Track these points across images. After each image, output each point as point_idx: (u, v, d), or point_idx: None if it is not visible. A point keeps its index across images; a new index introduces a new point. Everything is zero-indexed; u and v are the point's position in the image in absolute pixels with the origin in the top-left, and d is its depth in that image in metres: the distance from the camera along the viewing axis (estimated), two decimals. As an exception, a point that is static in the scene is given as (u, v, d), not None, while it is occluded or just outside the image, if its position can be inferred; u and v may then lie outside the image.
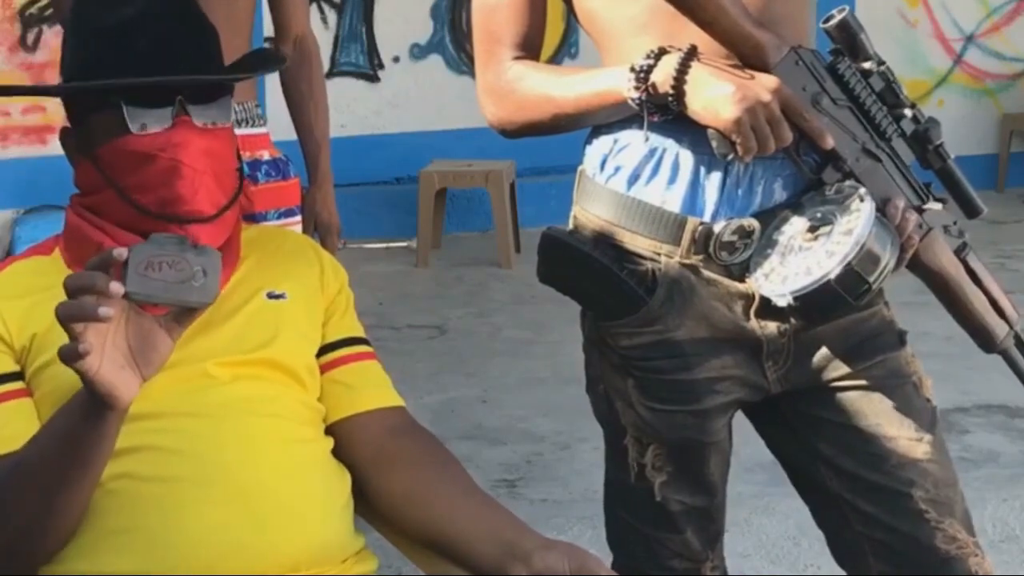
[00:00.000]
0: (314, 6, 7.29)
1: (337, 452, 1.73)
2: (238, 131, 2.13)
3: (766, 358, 1.77)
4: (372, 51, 7.69)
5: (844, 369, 1.78)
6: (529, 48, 1.81)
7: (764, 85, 1.62)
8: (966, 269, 1.80)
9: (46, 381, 1.62)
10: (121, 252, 1.40)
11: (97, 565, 1.56)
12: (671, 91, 1.63)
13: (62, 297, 1.40)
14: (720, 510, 1.90)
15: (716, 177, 1.72)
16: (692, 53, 1.63)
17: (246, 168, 2.63)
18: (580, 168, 1.83)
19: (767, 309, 1.73)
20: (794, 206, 1.73)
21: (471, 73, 1.91)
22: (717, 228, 1.71)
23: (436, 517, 1.67)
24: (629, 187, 1.75)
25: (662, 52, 1.64)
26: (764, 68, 1.65)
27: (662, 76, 1.63)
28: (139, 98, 1.65)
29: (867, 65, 1.72)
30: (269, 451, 1.64)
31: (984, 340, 1.84)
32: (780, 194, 1.74)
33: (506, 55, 1.80)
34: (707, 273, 1.73)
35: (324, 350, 1.78)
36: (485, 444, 4.06)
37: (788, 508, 3.10)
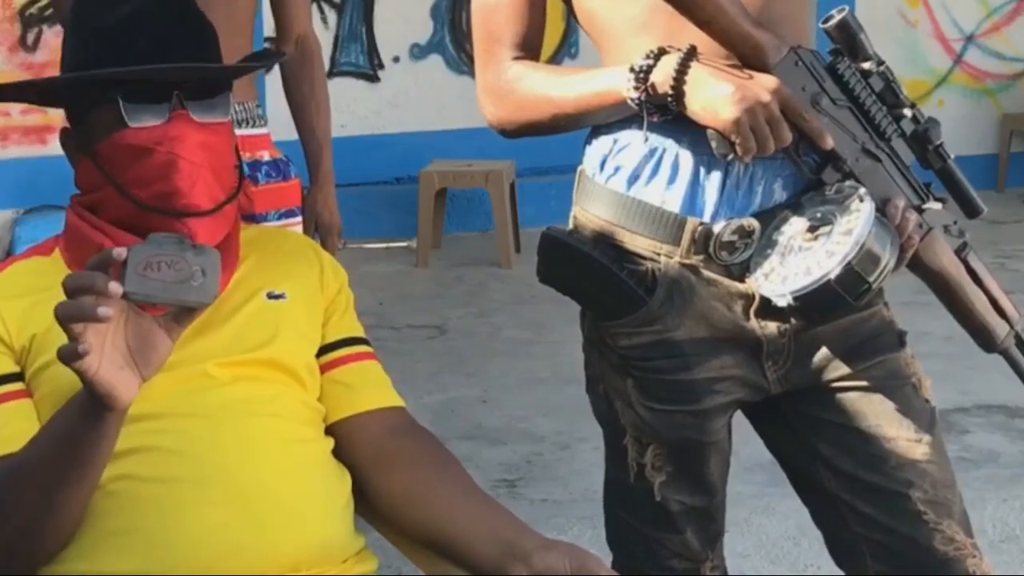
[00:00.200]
0: (314, 6, 7.29)
1: (337, 452, 1.73)
2: (238, 131, 2.13)
3: (766, 358, 1.77)
4: (372, 51, 7.69)
5: (844, 369, 1.78)
6: (529, 48, 1.81)
7: (763, 85, 1.62)
8: (966, 269, 1.80)
9: (46, 382, 1.62)
10: (120, 252, 1.40)
11: (97, 566, 1.56)
12: (670, 91, 1.63)
13: (62, 297, 1.40)
14: (720, 510, 1.90)
15: (716, 177, 1.72)
16: (692, 53, 1.63)
17: (246, 168, 2.64)
18: (580, 168, 1.83)
19: (767, 309, 1.73)
20: (794, 206, 1.73)
21: (471, 73, 1.91)
22: (717, 228, 1.71)
23: (436, 517, 1.67)
24: (629, 187, 1.75)
25: (661, 52, 1.64)
26: (763, 68, 1.65)
27: (662, 76, 1.63)
28: (136, 93, 1.66)
29: (867, 65, 1.72)
30: (269, 451, 1.64)
31: (984, 340, 1.84)
32: (780, 194, 1.74)
33: (506, 55, 1.80)
34: (707, 273, 1.73)
35: (324, 350, 1.78)
36: (485, 444, 4.06)
37: (788, 508, 3.10)
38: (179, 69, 1.66)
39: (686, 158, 1.72)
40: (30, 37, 7.00)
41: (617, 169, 1.76)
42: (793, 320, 1.75)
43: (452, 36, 7.75)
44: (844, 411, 1.79)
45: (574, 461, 3.86)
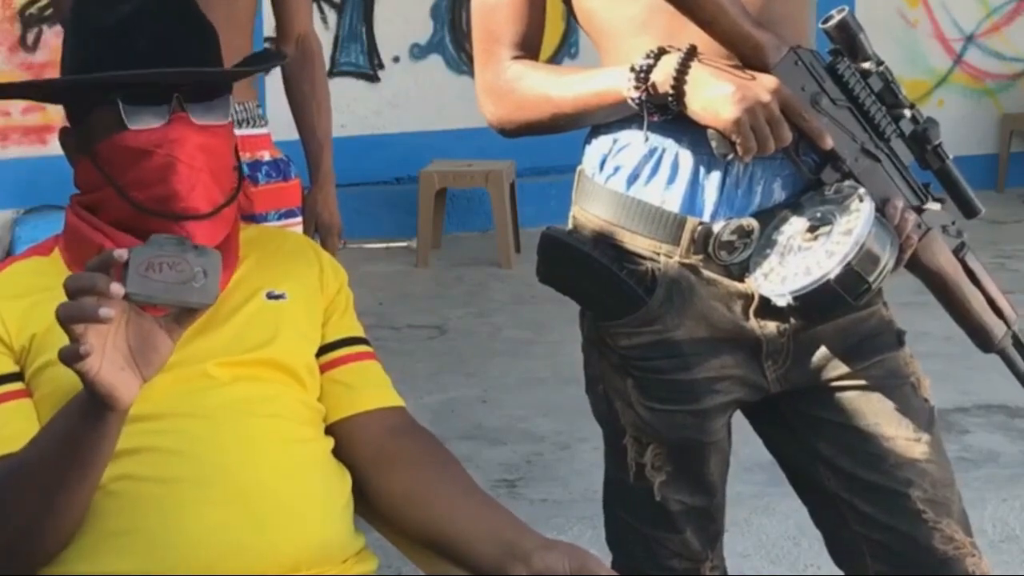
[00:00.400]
0: (314, 6, 7.27)
1: (337, 452, 1.73)
2: (239, 131, 2.13)
3: (765, 358, 1.77)
4: (372, 51, 7.69)
5: (843, 369, 1.78)
6: (528, 48, 1.81)
7: (764, 85, 1.62)
8: (964, 269, 1.81)
9: (46, 382, 1.62)
10: (121, 253, 1.40)
11: (97, 566, 1.56)
12: (671, 91, 1.63)
13: (62, 297, 1.40)
14: (720, 510, 1.90)
15: (715, 177, 1.72)
16: (692, 53, 1.63)
17: (246, 169, 2.64)
18: (579, 168, 1.83)
19: (766, 309, 1.73)
20: (793, 206, 1.73)
21: (471, 73, 1.91)
22: (716, 228, 1.71)
23: (436, 517, 1.67)
24: (628, 187, 1.75)
25: (662, 52, 1.64)
26: (763, 68, 1.65)
27: (662, 76, 1.63)
28: (137, 95, 1.66)
29: (866, 65, 1.72)
30: (269, 451, 1.64)
31: (982, 340, 1.84)
32: (779, 194, 1.74)
33: (505, 54, 1.80)
34: (706, 273, 1.73)
35: (324, 350, 1.78)
36: (485, 444, 4.06)
37: (788, 508, 3.10)
38: (179, 73, 1.66)
39: (686, 158, 1.72)
40: (30, 37, 7.00)
41: (617, 169, 1.76)
42: (792, 320, 1.75)
43: (452, 36, 7.75)
44: (843, 410, 1.79)
45: (574, 461, 3.86)
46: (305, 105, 2.96)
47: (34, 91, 1.94)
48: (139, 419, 1.56)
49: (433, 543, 1.68)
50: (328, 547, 1.65)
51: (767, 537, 3.34)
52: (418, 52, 7.74)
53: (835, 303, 1.68)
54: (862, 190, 1.69)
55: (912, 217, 1.72)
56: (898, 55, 7.92)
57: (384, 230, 7.07)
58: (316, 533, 1.64)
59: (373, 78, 7.69)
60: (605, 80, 1.70)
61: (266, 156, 2.76)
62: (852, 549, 1.84)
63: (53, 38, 6.84)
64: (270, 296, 1.75)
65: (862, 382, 1.78)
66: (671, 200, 1.73)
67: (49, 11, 6.82)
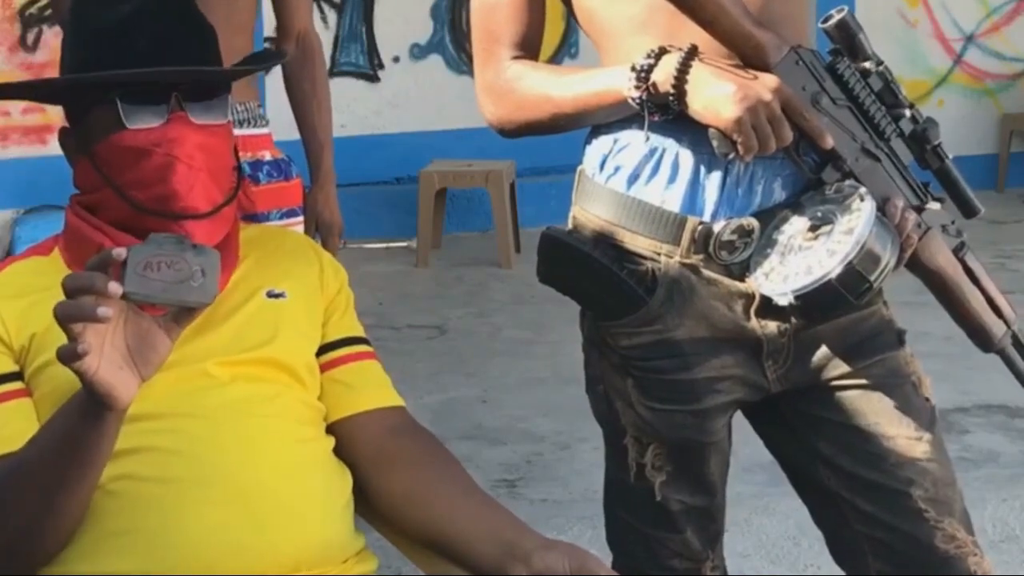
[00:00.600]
0: (314, 6, 7.27)
1: (337, 452, 1.73)
2: (240, 131, 2.13)
3: (766, 357, 1.77)
4: (372, 51, 7.69)
5: (843, 368, 1.78)
6: (528, 47, 1.81)
7: (765, 84, 1.62)
8: (964, 268, 1.81)
9: (45, 381, 1.62)
10: (120, 252, 1.40)
11: (97, 567, 1.56)
12: (672, 90, 1.63)
13: (61, 297, 1.40)
14: (720, 510, 1.90)
15: (716, 177, 1.72)
16: (693, 52, 1.63)
17: (247, 168, 2.64)
18: (580, 168, 1.83)
19: (767, 308, 1.73)
20: (794, 205, 1.73)
21: (471, 73, 1.91)
22: (717, 227, 1.71)
23: (436, 517, 1.67)
24: (629, 187, 1.75)
25: (663, 51, 1.64)
26: (764, 68, 1.65)
27: (663, 75, 1.63)
28: (135, 95, 1.66)
29: (866, 65, 1.72)
30: (269, 451, 1.64)
31: (982, 340, 1.84)
32: (780, 193, 1.74)
33: (505, 54, 1.80)
34: (707, 273, 1.73)
35: (324, 349, 1.78)
36: (485, 444, 4.06)
37: (788, 508, 3.10)
38: (177, 72, 1.66)
39: (686, 158, 1.72)
40: (30, 37, 7.00)
41: (617, 169, 1.76)
42: (793, 319, 1.75)
43: (452, 36, 7.75)
44: (844, 410, 1.79)
45: (574, 461, 3.86)
46: (306, 103, 2.96)
47: (32, 91, 1.94)
48: (139, 419, 1.56)
49: (433, 543, 1.68)
50: (328, 547, 1.65)
51: (767, 537, 3.34)
52: (418, 52, 7.74)
53: (836, 302, 1.68)
54: (863, 189, 1.69)
55: (912, 216, 1.72)
56: (898, 55, 7.92)
57: (384, 230, 7.07)
58: (316, 533, 1.64)
59: (373, 78, 7.70)
60: (606, 80, 1.70)
61: (267, 156, 2.75)
62: (853, 548, 1.83)
63: (53, 38, 6.84)
64: (270, 295, 1.75)
65: (863, 381, 1.78)
66: (671, 200, 1.73)
67: (49, 11, 6.82)
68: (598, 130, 1.80)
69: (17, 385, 1.64)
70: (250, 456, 1.62)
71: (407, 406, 1.82)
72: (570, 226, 1.83)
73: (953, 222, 1.81)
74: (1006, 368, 1.88)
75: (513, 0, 1.79)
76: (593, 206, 1.78)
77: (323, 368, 1.77)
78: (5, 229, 6.63)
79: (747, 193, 1.73)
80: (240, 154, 1.82)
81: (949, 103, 8.35)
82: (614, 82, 1.68)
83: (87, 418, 1.46)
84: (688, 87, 1.62)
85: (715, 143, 1.64)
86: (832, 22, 1.71)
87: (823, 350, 1.78)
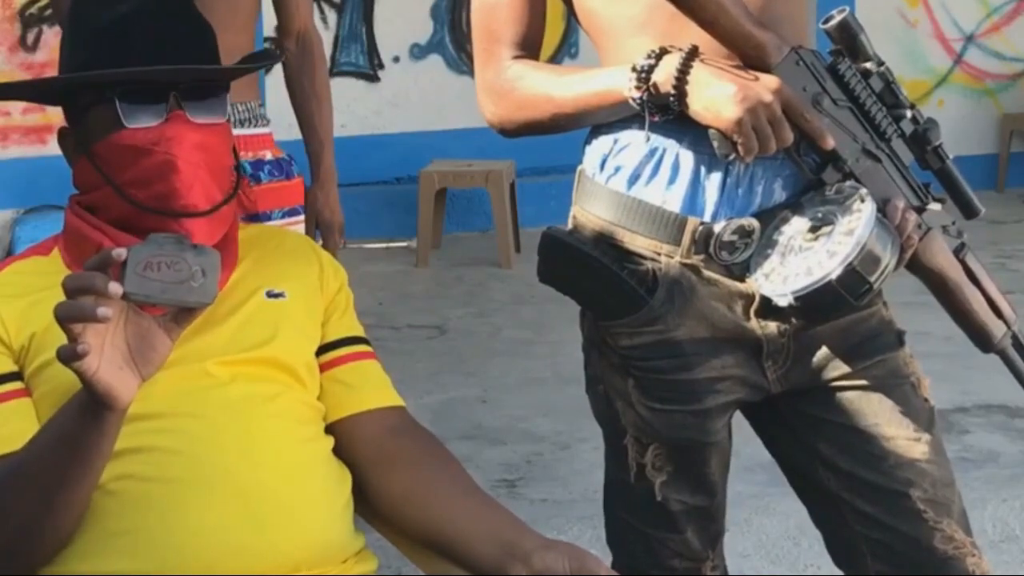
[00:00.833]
0: (314, 6, 7.28)
1: (337, 452, 1.73)
2: (241, 131, 2.14)
3: (766, 358, 1.77)
4: (372, 51, 7.70)
5: (843, 369, 1.78)
6: (528, 47, 1.81)
7: (765, 85, 1.62)
8: (964, 269, 1.81)
9: (45, 381, 1.62)
10: (120, 252, 1.40)
11: (97, 567, 1.56)
12: (672, 91, 1.63)
13: (61, 297, 1.40)
14: (720, 510, 1.90)
15: (716, 177, 1.72)
16: (693, 53, 1.63)
17: (248, 168, 2.64)
18: (580, 168, 1.83)
19: (767, 309, 1.73)
20: (794, 206, 1.73)
21: (471, 73, 1.91)
22: (717, 228, 1.71)
23: (436, 517, 1.67)
24: (629, 187, 1.75)
25: (663, 52, 1.64)
26: (765, 68, 1.65)
27: (663, 76, 1.63)
28: (134, 94, 1.66)
29: (867, 66, 1.72)
30: (269, 451, 1.64)
31: (981, 340, 1.84)
32: (780, 194, 1.74)
33: (505, 54, 1.80)
34: (707, 273, 1.73)
35: (324, 349, 1.78)
36: (485, 444, 4.06)
37: (788, 508, 3.10)
38: (174, 71, 1.66)
39: (686, 158, 1.72)
40: (30, 37, 7.01)
41: (617, 169, 1.76)
42: (793, 320, 1.75)
43: (452, 36, 7.75)
44: (843, 410, 1.79)
45: (574, 461, 3.86)
46: (306, 102, 2.96)
47: (31, 91, 1.94)
48: (139, 418, 1.56)
49: (433, 543, 1.68)
50: (328, 547, 1.65)
51: (767, 537, 3.33)
52: (418, 52, 7.74)
53: (836, 303, 1.68)
54: (863, 190, 1.69)
55: (913, 217, 1.72)
56: (898, 55, 7.93)
57: (384, 230, 7.07)
58: (316, 533, 1.63)
59: (373, 78, 7.70)
60: (606, 80, 1.70)
61: (268, 155, 2.75)
62: (852, 549, 1.83)
63: (53, 38, 6.84)
64: (270, 295, 1.75)
65: (862, 382, 1.78)
66: (672, 200, 1.73)
67: (49, 11, 6.83)
68: (598, 130, 1.80)
69: (17, 385, 1.64)
70: (250, 456, 1.62)
71: (407, 406, 1.82)
72: (570, 226, 1.83)
73: (954, 223, 1.81)
74: (1006, 368, 1.88)
75: (513, 0, 1.79)
76: (593, 206, 1.78)
77: (323, 368, 1.77)
78: (5, 229, 6.64)
79: (747, 193, 1.73)
80: (241, 154, 1.82)
81: (949, 103, 8.35)
82: (615, 82, 1.68)
83: (87, 418, 1.46)
84: (689, 88, 1.62)
85: (715, 144, 1.64)
86: (833, 22, 1.71)
87: (823, 351, 1.78)
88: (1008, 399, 4.21)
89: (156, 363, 1.47)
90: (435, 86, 7.66)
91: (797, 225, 1.71)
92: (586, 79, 1.73)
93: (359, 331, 1.83)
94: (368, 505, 1.74)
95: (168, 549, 1.56)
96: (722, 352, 1.76)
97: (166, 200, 1.66)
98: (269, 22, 3.12)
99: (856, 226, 1.65)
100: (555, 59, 7.42)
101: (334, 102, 3.03)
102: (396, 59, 7.72)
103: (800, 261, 1.68)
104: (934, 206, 1.77)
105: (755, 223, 1.72)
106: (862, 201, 1.67)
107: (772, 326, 1.75)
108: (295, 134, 2.97)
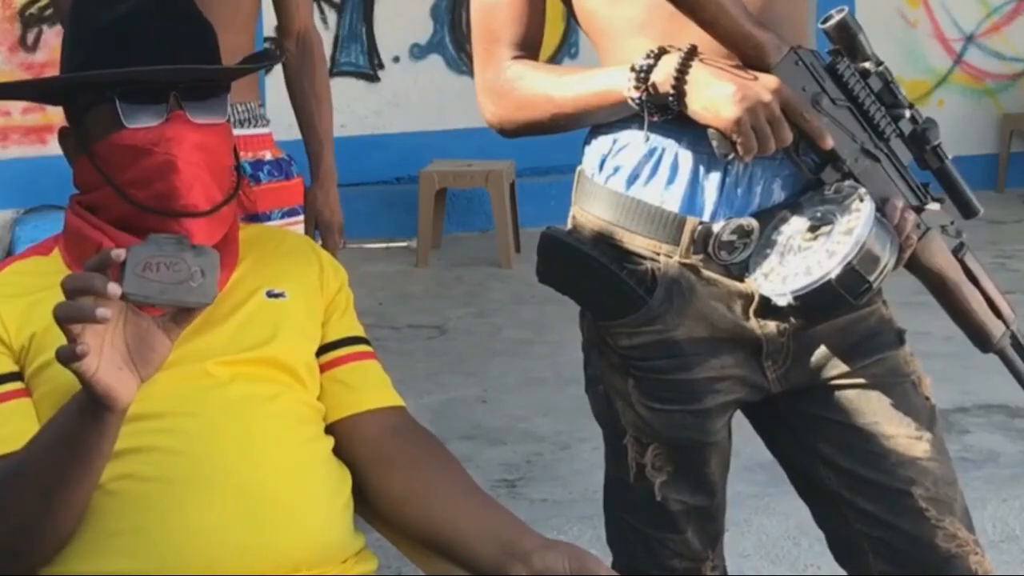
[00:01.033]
0: (314, 6, 7.28)
1: (336, 452, 1.73)
2: (241, 131, 2.14)
3: (765, 357, 1.77)
4: (372, 51, 7.70)
5: (843, 368, 1.78)
6: (528, 48, 1.81)
7: (764, 85, 1.62)
8: (963, 269, 1.81)
9: (45, 381, 1.62)
10: (119, 253, 1.40)
11: (97, 567, 1.56)
12: (671, 91, 1.63)
13: (61, 297, 1.40)
14: (720, 510, 1.90)
15: (715, 177, 1.72)
16: (692, 53, 1.63)
17: (248, 168, 2.64)
18: (579, 168, 1.83)
19: (766, 309, 1.73)
20: (793, 206, 1.73)
21: (471, 73, 1.91)
22: (716, 228, 1.71)
23: (436, 517, 1.67)
24: (628, 187, 1.75)
25: (662, 52, 1.64)
26: (764, 68, 1.65)
27: (662, 76, 1.63)
28: (134, 94, 1.66)
29: (866, 65, 1.72)
30: (269, 451, 1.64)
31: (980, 340, 1.84)
32: (779, 194, 1.74)
33: (505, 54, 1.80)
34: (707, 273, 1.73)
35: (324, 349, 1.78)
36: (485, 444, 4.06)
37: (788, 508, 3.10)
38: (173, 71, 1.66)
39: (685, 158, 1.72)
40: (30, 37, 7.01)
41: (616, 169, 1.76)
42: (792, 319, 1.75)
43: (452, 36, 7.75)
44: (843, 409, 1.79)
45: (574, 461, 3.86)
46: (306, 102, 2.96)
47: (32, 90, 1.94)
48: (138, 418, 1.56)
49: (433, 543, 1.68)
50: (328, 547, 1.65)
51: (767, 537, 3.33)
52: (418, 52, 7.75)
53: (836, 303, 1.68)
54: (862, 190, 1.69)
55: (912, 217, 1.72)
56: (898, 55, 7.93)
57: (384, 230, 7.07)
58: (316, 533, 1.64)
59: (373, 78, 7.70)
60: (605, 80, 1.70)
61: (268, 155, 2.76)
62: (854, 548, 1.83)
63: (53, 38, 6.85)
64: (269, 295, 1.75)
65: (862, 381, 1.78)
66: (671, 200, 1.73)
67: (49, 11, 6.83)
68: (597, 130, 1.80)
69: (17, 385, 1.64)
70: (250, 456, 1.62)
71: (407, 406, 1.82)
72: (570, 226, 1.83)
73: (953, 222, 1.81)
74: (1005, 368, 1.88)
75: (513, 0, 1.79)
76: (593, 206, 1.78)
77: (323, 368, 1.77)
78: (5, 229, 6.64)
79: (746, 193, 1.73)
80: (241, 154, 1.82)
81: (949, 103, 8.35)
82: (614, 82, 1.68)
83: (87, 418, 1.46)
84: (688, 87, 1.62)
85: (714, 144, 1.64)
86: (832, 22, 1.71)
87: (823, 350, 1.78)
88: (1008, 399, 4.21)
89: (155, 364, 1.47)
90: (435, 86, 7.66)
91: (796, 225, 1.71)
92: (585, 79, 1.73)
93: (359, 331, 1.83)
94: (368, 505, 1.74)
95: (168, 549, 1.56)
96: (721, 352, 1.76)
97: (166, 200, 1.66)
98: (269, 22, 3.12)
99: (855, 226, 1.65)
100: (555, 59, 7.42)
101: (334, 102, 3.03)
102: (396, 59, 7.72)
103: (799, 261, 1.68)
104: (933, 206, 1.77)
105: (754, 223, 1.72)
106: (861, 201, 1.67)
107: (771, 326, 1.75)
108: (295, 134, 2.97)
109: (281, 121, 3.14)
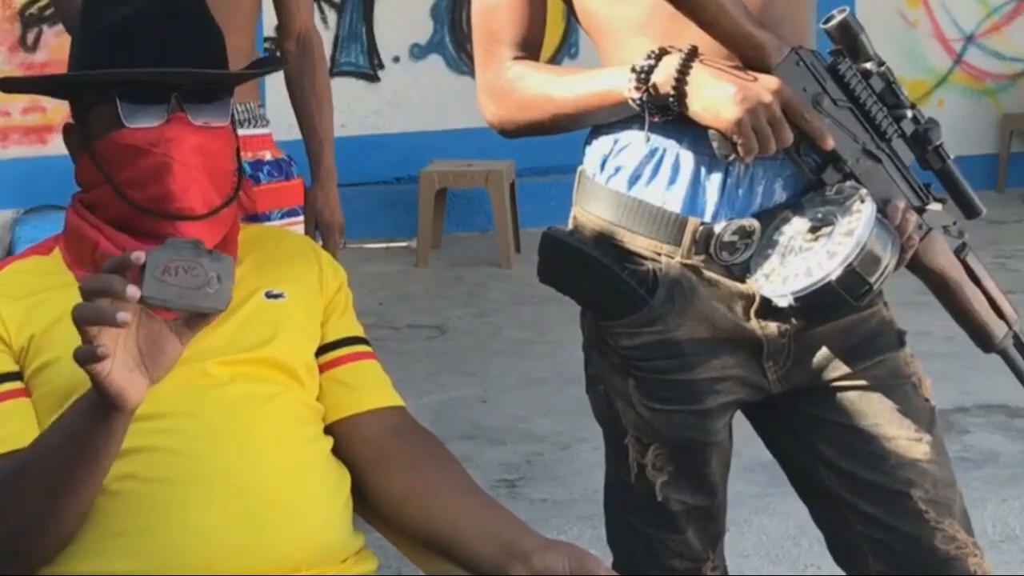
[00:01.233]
0: (314, 6, 7.28)
1: (336, 452, 1.73)
2: (240, 131, 2.12)
3: (766, 358, 1.77)
4: (372, 51, 7.70)
5: (844, 369, 1.78)
6: (529, 48, 1.81)
7: (765, 86, 1.62)
8: (965, 269, 1.81)
9: (44, 382, 1.62)
10: (139, 256, 1.40)
11: (97, 567, 1.56)
12: (672, 92, 1.62)
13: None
14: (721, 510, 1.90)
15: (716, 177, 1.72)
16: (693, 54, 1.63)
17: (248, 168, 2.64)
18: (580, 168, 1.83)
19: (767, 309, 1.73)
20: (794, 206, 1.73)
21: (471, 73, 1.91)
22: (717, 228, 1.71)
23: (436, 517, 1.67)
24: (629, 187, 1.75)
25: (663, 53, 1.64)
26: (765, 69, 1.65)
27: (663, 77, 1.63)
28: (136, 94, 1.66)
29: (867, 66, 1.72)
30: (269, 451, 1.64)
31: (982, 340, 1.84)
32: (780, 194, 1.74)
33: (506, 55, 1.80)
34: (708, 273, 1.73)
35: (323, 349, 1.78)
36: (485, 444, 4.06)
37: (788, 508, 3.10)
38: (173, 73, 1.66)
39: (687, 158, 1.72)
40: (30, 37, 7.01)
41: (618, 169, 1.76)
42: (793, 320, 1.75)
43: (452, 36, 7.75)
44: (844, 410, 1.79)
45: (574, 461, 3.86)
46: (306, 102, 2.96)
47: (37, 86, 1.94)
48: (138, 418, 1.55)
49: (433, 543, 1.68)
50: (328, 547, 1.65)
51: (767, 537, 3.33)
52: (418, 52, 7.75)
53: (836, 304, 1.68)
54: (864, 191, 1.69)
55: (913, 218, 1.72)
56: (898, 55, 7.93)
57: (384, 230, 7.07)
58: (316, 533, 1.64)
59: (373, 78, 7.70)
60: (606, 80, 1.70)
61: (268, 156, 2.76)
62: (854, 549, 1.83)
63: (53, 38, 6.85)
64: (269, 295, 1.75)
65: (863, 382, 1.78)
66: (672, 200, 1.73)
67: (49, 11, 6.83)
68: (598, 130, 1.80)
69: (16, 385, 1.64)
70: (250, 456, 1.62)
71: (407, 406, 1.82)
72: (571, 226, 1.83)
73: (955, 223, 1.81)
74: (1007, 368, 1.88)
75: (514, 1, 1.79)
76: (594, 206, 1.78)
77: (322, 368, 1.77)
78: (5, 229, 6.64)
79: (748, 194, 1.73)
80: (241, 154, 1.81)
81: (949, 103, 8.35)
82: (614, 83, 1.68)
83: (96, 418, 1.46)
84: (688, 88, 1.62)
85: (715, 144, 1.64)
86: (833, 23, 1.71)
87: (823, 351, 1.78)
88: (1008, 399, 4.21)
89: (166, 366, 1.46)
90: (435, 86, 7.66)
91: (797, 225, 1.71)
92: (586, 80, 1.73)
93: (359, 331, 1.83)
94: (368, 505, 1.74)
95: (168, 549, 1.56)
96: (722, 352, 1.76)
97: (161, 202, 1.66)
98: (269, 22, 3.12)
99: (856, 226, 1.65)
100: (555, 59, 7.42)
101: (334, 102, 3.03)
102: (396, 59, 7.72)
103: (800, 262, 1.68)
104: (935, 206, 1.77)
105: (755, 223, 1.72)
106: (862, 201, 1.67)
107: (772, 326, 1.75)
108: (295, 134, 2.98)
109: (281, 121, 3.14)
